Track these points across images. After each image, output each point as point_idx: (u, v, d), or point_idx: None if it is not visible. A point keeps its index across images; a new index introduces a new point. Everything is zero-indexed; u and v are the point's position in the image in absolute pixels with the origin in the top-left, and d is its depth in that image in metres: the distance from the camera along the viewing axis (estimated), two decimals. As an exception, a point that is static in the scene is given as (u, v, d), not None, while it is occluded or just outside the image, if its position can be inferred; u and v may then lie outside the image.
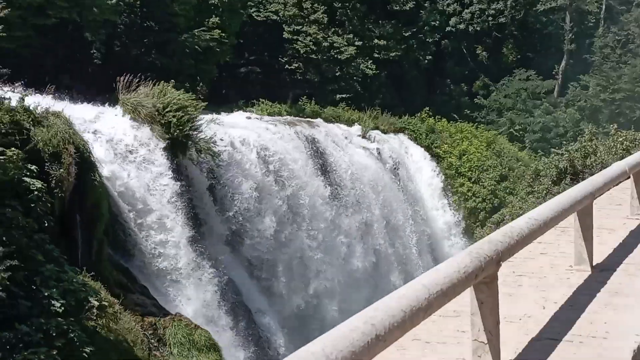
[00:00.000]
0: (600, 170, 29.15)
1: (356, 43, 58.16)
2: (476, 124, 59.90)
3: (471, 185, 52.12)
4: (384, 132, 50.66)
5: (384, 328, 3.21)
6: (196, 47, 45.69)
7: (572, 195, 6.78)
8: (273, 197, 35.66)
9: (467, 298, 4.72)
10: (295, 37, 56.59)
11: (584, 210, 7.23)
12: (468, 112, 62.79)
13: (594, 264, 7.56)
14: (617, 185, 10.44)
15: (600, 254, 7.98)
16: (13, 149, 22.65)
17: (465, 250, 4.45)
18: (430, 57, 64.22)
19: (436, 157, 52.70)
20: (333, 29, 58.70)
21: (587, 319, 6.03)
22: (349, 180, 41.91)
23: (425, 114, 55.50)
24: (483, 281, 4.50)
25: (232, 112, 42.84)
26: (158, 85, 32.03)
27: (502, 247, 4.74)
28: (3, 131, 23.39)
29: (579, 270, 7.47)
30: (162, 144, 30.23)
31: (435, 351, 5.25)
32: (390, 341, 3.32)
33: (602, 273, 7.45)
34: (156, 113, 30.53)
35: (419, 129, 53.50)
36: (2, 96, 23.98)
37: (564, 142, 41.38)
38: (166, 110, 30.64)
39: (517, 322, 5.91)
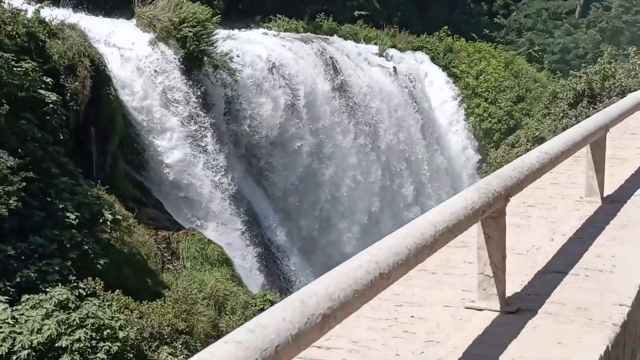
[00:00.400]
0: (618, 94, 28.82)
1: (376, -42, 57.24)
2: (495, 43, 59.26)
3: (487, 105, 51.84)
4: (401, 50, 50.23)
5: (387, 266, 3.22)
6: (214, -41, 45.10)
7: (584, 127, 6.73)
8: (291, 121, 35.60)
9: (475, 229, 4.74)
10: (314, -48, 55.68)
11: (596, 142, 7.19)
12: (487, 31, 62.03)
13: (604, 195, 7.54)
14: (632, 114, 10.34)
15: (611, 185, 7.95)
16: (29, 60, 22.66)
17: (474, 186, 4.45)
18: (450, -26, 63.22)
19: (453, 77, 52.32)
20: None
21: (595, 252, 6.03)
22: (363, 98, 41.75)
23: (444, 33, 54.88)
24: (491, 216, 4.50)
25: (248, 28, 42.47)
26: (174, -2, 31.78)
27: (512, 182, 4.73)
28: (19, 43, 23.33)
29: (589, 202, 7.46)
30: (178, 58, 30.09)
31: (440, 282, 5.30)
32: (394, 279, 3.34)
33: (612, 205, 7.43)
34: (172, 27, 30.35)
35: (437, 48, 53.04)
36: (18, 8, 23.85)
37: (583, 64, 40.92)
38: (182, 24, 30.43)
39: (525, 255, 5.93)
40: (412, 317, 4.65)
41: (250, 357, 2.41)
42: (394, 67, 46.68)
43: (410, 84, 47.58)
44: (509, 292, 4.91)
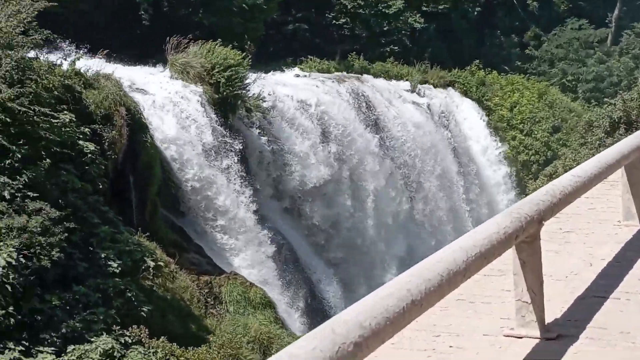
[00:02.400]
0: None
1: (404, -4, 57.50)
2: (527, 75, 59.09)
3: (523, 137, 51.59)
4: (434, 86, 50.28)
5: (419, 293, 3.22)
6: (243, 4, 45.56)
7: (618, 149, 6.70)
8: (326, 161, 35.72)
9: (511, 256, 4.72)
10: (342, -8, 56.12)
11: (632, 164, 7.14)
12: (519, 63, 61.91)
13: (643, 218, 7.48)
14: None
15: (650, 208, 7.87)
16: (66, 112, 22.99)
17: (506, 211, 4.44)
18: (479, 8, 63.22)
19: (487, 110, 52.20)
20: (381, -17, 58.05)
21: (635, 275, 5.97)
22: (399, 135, 41.78)
23: (475, 67, 54.84)
24: (525, 241, 4.49)
25: (280, 70, 42.80)
26: (206, 44, 32.13)
27: (544, 206, 4.71)
28: (56, 95, 23.68)
29: (627, 225, 7.39)
30: (212, 104, 30.37)
31: (478, 311, 5.27)
32: (427, 306, 3.34)
33: (651, 227, 7.36)
34: (205, 73, 30.68)
35: (469, 82, 52.99)
36: (54, 62, 24.25)
37: (618, 92, 40.64)
38: (215, 69, 30.75)
39: (564, 280, 5.89)
40: (450, 347, 4.63)
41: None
42: (428, 104, 46.71)
43: (444, 119, 47.55)
44: (548, 319, 4.88)
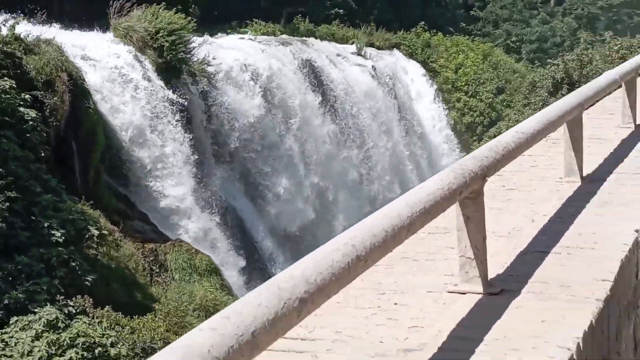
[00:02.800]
0: (596, 79, 29.06)
1: (348, -43, 57.22)
2: (472, 36, 59.42)
3: (468, 99, 51.92)
4: (379, 48, 50.28)
5: (364, 248, 3.20)
6: (186, -35, 44.99)
7: (559, 106, 6.73)
8: (272, 127, 35.65)
9: (454, 214, 4.72)
10: (286, -46, 55.66)
11: (573, 122, 7.18)
12: (464, 25, 62.17)
13: (584, 175, 7.54)
14: (609, 94, 10.36)
15: (590, 165, 7.95)
16: (6, 79, 22.56)
17: (449, 167, 4.43)
18: (424, -32, 63.28)
19: (432, 72, 52.39)
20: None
21: (576, 230, 6.03)
22: (344, 98, 41.78)
23: (421, 29, 54.93)
24: (468, 197, 4.48)
25: (225, 34, 42.41)
26: (150, 8, 31.71)
27: (488, 162, 4.71)
28: (-5, 61, 23.24)
29: (569, 181, 7.45)
30: (155, 69, 30.05)
31: (423, 268, 5.28)
32: (372, 261, 3.31)
33: (592, 184, 7.43)
34: (148, 37, 30.29)
35: (414, 44, 53.11)
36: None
37: (561, 52, 41.00)
38: (159, 34, 30.38)
39: (506, 236, 5.92)
40: (395, 304, 4.62)
41: (227, 344, 2.38)
42: (373, 66, 46.72)
43: (389, 81, 47.61)
44: (491, 274, 4.90)
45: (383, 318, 4.42)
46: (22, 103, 22.60)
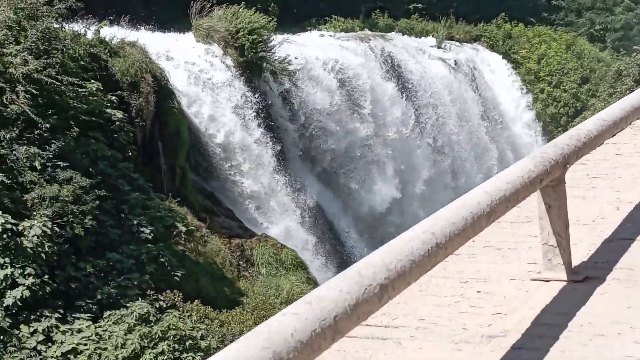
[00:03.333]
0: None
1: (428, -50, 56.91)
2: (554, 26, 58.45)
3: (551, 90, 51.16)
4: (460, 41, 49.94)
5: (444, 236, 3.25)
6: (266, -34, 45.38)
7: (643, 93, 6.66)
8: (351, 116, 35.72)
9: (537, 202, 4.73)
10: (365, -52, 55.66)
11: (659, 108, 7.07)
12: (546, 14, 61.18)
13: (671, 161, 7.44)
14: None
15: (678, 152, 7.83)
16: (93, 81, 23.13)
17: (530, 155, 4.45)
18: (505, -40, 62.51)
19: (514, 63, 51.79)
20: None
21: (663, 217, 5.96)
22: (425, 91, 41.64)
23: (502, 20, 54.33)
24: (549, 185, 4.49)
25: (304, 31, 42.66)
26: (230, 8, 32.11)
27: (569, 150, 4.71)
28: (82, 65, 23.80)
29: (656, 169, 7.36)
30: (237, 67, 30.41)
31: (506, 256, 5.29)
32: (452, 249, 3.37)
33: (679, 171, 7.32)
34: (229, 37, 30.68)
35: (495, 36, 52.58)
36: (79, 31, 24.37)
37: (647, 40, 40.20)
38: (240, 33, 30.74)
39: (590, 224, 5.88)
40: (478, 292, 4.66)
41: (309, 328, 2.47)
42: (454, 60, 46.42)
43: (471, 73, 47.26)
44: (575, 262, 4.89)
45: (466, 305, 4.47)
46: (109, 104, 23.17)
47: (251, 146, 29.73)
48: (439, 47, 47.01)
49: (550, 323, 4.15)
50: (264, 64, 31.25)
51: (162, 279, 20.39)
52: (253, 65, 30.83)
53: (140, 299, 18.87)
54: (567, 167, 4.65)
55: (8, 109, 19.72)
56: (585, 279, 4.73)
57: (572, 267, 4.75)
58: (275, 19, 34.22)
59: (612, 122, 5.66)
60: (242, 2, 32.93)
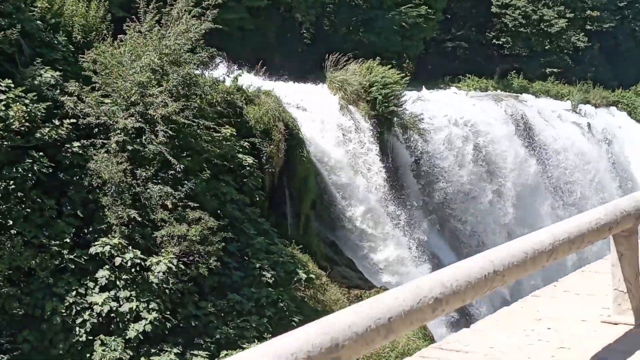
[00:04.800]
0: None
1: (567, 15, 56.72)
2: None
3: None
4: (596, 106, 49.33)
5: (502, 265, 3.59)
6: (403, 23, 46.11)
7: None
8: (481, 182, 35.75)
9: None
10: (503, 10, 55.95)
11: None
12: (689, 83, 59.75)
13: None
14: None
15: None
16: (227, 127, 24.01)
17: (603, 205, 4.72)
18: (647, 26, 61.65)
19: (654, 131, 50.73)
20: (543, 2, 57.50)
21: None
22: (557, 155, 41.26)
23: (640, 87, 53.51)
24: (621, 234, 4.74)
25: (438, 88, 43.07)
26: (365, 63, 32.79)
27: (644, 204, 4.95)
28: (218, 110, 24.70)
29: None
30: (368, 121, 30.96)
31: (583, 301, 5.53)
32: (510, 277, 3.69)
33: None
34: (362, 90, 31.30)
35: (633, 102, 51.70)
36: (217, 78, 25.36)
37: None
38: (372, 87, 31.34)
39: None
40: (548, 329, 4.93)
41: (365, 324, 2.86)
42: (588, 123, 45.87)
43: (605, 139, 46.55)
44: (646, 309, 5.09)
45: (535, 339, 4.75)
46: (240, 150, 23.96)
47: (373, 199, 30.09)
48: (574, 111, 46.56)
49: (610, 358, 4.40)
50: (395, 118, 31.72)
51: (280, 323, 20.73)
52: (384, 119, 31.34)
53: (257, 341, 19.25)
54: None
55: (146, 149, 20.60)
56: (652, 324, 4.93)
57: (642, 313, 4.97)
58: (409, 75, 34.74)
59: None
60: (377, 58, 33.58)
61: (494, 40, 55.69)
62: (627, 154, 48.45)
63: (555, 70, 53.49)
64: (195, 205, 20.76)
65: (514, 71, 50.56)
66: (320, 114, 30.36)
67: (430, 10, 47.79)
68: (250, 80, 28.27)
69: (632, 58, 60.68)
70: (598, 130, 46.48)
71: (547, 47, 55.62)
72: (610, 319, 4.94)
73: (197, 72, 23.61)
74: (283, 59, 42.58)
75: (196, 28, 22.57)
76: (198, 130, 22.04)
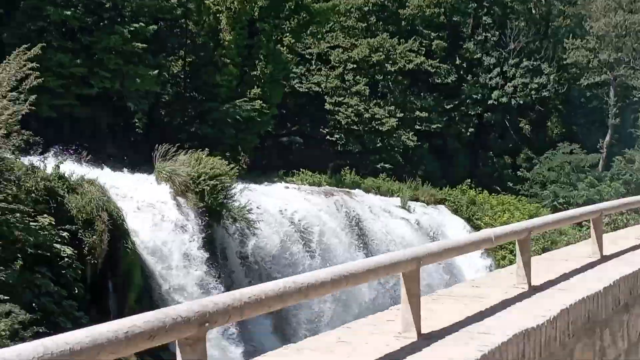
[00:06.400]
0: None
1: (398, 115, 58.45)
2: (519, 196, 59.41)
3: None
4: (426, 203, 50.51)
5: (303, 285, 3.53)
6: (237, 117, 46.25)
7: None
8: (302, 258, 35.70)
9: None
10: (337, 108, 57.14)
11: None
12: (511, 184, 62.27)
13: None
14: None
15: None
16: (45, 216, 23.00)
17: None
18: (472, 129, 64.23)
19: (477, 229, 52.16)
20: (375, 101, 59.16)
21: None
22: (385, 248, 41.72)
23: (467, 186, 55.27)
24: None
25: (272, 182, 43.12)
26: (194, 154, 32.43)
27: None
28: (37, 198, 23.73)
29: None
30: (196, 212, 30.46)
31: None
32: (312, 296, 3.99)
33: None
34: (190, 181, 30.85)
35: (459, 201, 53.26)
36: (35, 165, 24.43)
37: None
38: (201, 178, 30.96)
39: None
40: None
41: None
42: (417, 220, 46.80)
43: (432, 235, 47.53)
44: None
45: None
46: (59, 240, 22.97)
47: (205, 294, 29.41)
48: (403, 207, 47.46)
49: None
50: (223, 210, 31.36)
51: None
52: (212, 211, 30.93)
53: None
54: None
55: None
56: None
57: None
58: (239, 167, 34.58)
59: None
60: (207, 149, 33.27)
61: (328, 137, 56.58)
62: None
63: (387, 166, 54.66)
64: (5, 297, 19.65)
65: (347, 167, 51.31)
66: (145, 205, 29.64)
67: (264, 105, 48.20)
68: (74, 169, 27.40)
69: (458, 158, 62.89)
70: (426, 227, 47.44)
71: (378, 145, 56.92)
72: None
73: (10, 157, 22.65)
74: (115, 148, 41.81)
75: (10, 112, 21.64)
76: (11, 218, 20.99)
